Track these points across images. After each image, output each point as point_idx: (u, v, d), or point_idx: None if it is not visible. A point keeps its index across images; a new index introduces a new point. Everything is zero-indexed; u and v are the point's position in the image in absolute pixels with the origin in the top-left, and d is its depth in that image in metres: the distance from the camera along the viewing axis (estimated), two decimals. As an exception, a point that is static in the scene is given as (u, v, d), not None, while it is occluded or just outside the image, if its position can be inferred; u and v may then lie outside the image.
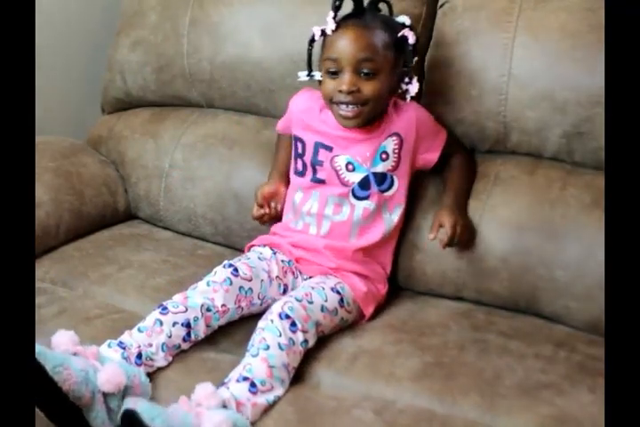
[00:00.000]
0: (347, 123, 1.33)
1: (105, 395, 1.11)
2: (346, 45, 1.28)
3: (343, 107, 1.30)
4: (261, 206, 1.45)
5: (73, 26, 1.96)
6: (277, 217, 1.46)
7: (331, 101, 1.32)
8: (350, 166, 1.36)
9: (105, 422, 1.11)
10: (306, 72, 1.38)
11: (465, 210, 1.39)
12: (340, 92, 1.29)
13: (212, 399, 1.09)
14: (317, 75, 1.36)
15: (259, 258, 1.35)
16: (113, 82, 1.78)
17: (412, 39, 1.32)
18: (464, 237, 1.34)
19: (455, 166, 1.43)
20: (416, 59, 1.35)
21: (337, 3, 1.31)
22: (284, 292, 1.34)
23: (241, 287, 1.28)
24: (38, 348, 1.08)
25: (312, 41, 1.35)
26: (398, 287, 1.46)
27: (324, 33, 1.32)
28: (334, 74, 1.30)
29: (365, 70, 1.28)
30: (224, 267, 1.29)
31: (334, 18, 1.31)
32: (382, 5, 1.37)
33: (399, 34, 1.31)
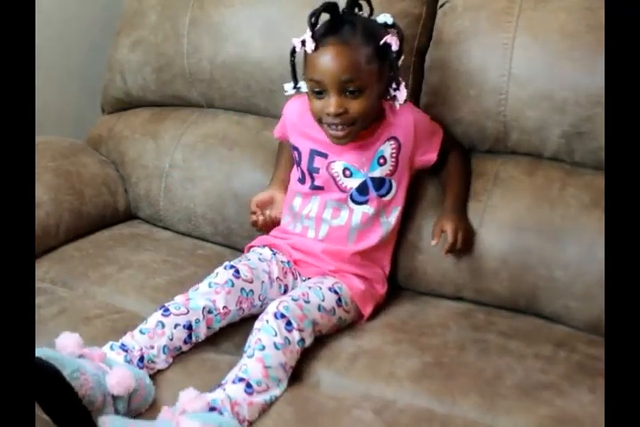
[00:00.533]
0: (338, 142, 1.31)
1: (113, 398, 1.11)
2: (328, 67, 1.24)
3: (333, 127, 1.28)
4: (253, 213, 1.45)
5: (73, 26, 1.96)
6: (273, 225, 1.45)
7: (320, 121, 1.30)
8: (347, 172, 1.36)
9: None
10: (292, 84, 1.35)
11: (465, 212, 1.39)
12: (328, 114, 1.26)
13: (197, 403, 1.08)
14: (304, 86, 1.33)
15: (259, 259, 1.35)
16: (113, 82, 1.78)
17: (395, 46, 1.26)
18: (465, 243, 1.35)
19: (453, 165, 1.42)
20: (403, 58, 1.31)
21: (313, 20, 1.25)
22: (285, 293, 1.34)
23: (242, 289, 1.28)
24: (52, 353, 1.08)
25: (293, 52, 1.31)
26: (398, 287, 1.46)
27: (304, 44, 1.27)
28: (320, 93, 1.27)
29: (351, 89, 1.24)
30: (225, 268, 1.29)
31: (312, 36, 1.25)
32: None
33: (381, 41, 1.26)
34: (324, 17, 1.28)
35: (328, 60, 1.24)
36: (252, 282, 1.29)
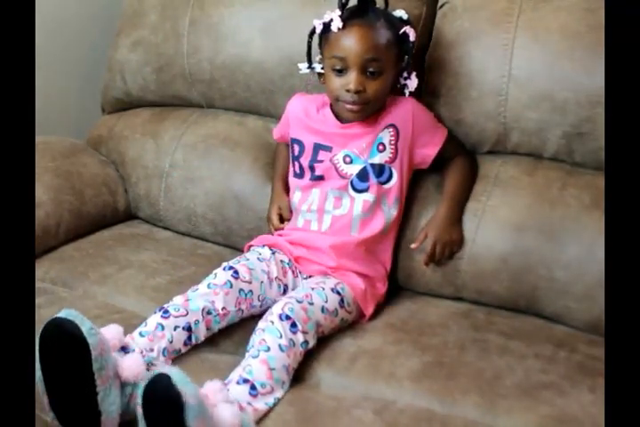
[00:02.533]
0: (351, 116, 1.35)
1: (122, 384, 1.10)
2: (353, 45, 1.29)
3: (349, 103, 1.33)
4: (279, 228, 1.46)
5: (73, 26, 1.96)
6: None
7: (336, 100, 1.34)
8: (348, 159, 1.38)
9: (117, 409, 1.08)
10: (306, 64, 1.40)
11: (458, 220, 1.39)
12: (348, 91, 1.31)
13: (220, 395, 1.08)
14: (317, 67, 1.38)
15: (258, 259, 1.35)
16: (113, 82, 1.78)
17: (412, 36, 1.34)
18: (444, 256, 1.37)
19: (455, 171, 1.43)
20: (413, 52, 1.36)
21: (344, 0, 1.32)
22: (284, 292, 1.34)
23: (241, 290, 1.28)
24: (71, 312, 1.08)
25: (312, 33, 1.37)
26: (398, 287, 1.46)
27: (325, 27, 1.33)
28: (340, 72, 1.32)
29: (371, 69, 1.30)
30: (224, 269, 1.29)
31: (341, 16, 1.31)
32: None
33: (400, 31, 1.33)
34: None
35: (354, 39, 1.30)
36: (250, 283, 1.30)
